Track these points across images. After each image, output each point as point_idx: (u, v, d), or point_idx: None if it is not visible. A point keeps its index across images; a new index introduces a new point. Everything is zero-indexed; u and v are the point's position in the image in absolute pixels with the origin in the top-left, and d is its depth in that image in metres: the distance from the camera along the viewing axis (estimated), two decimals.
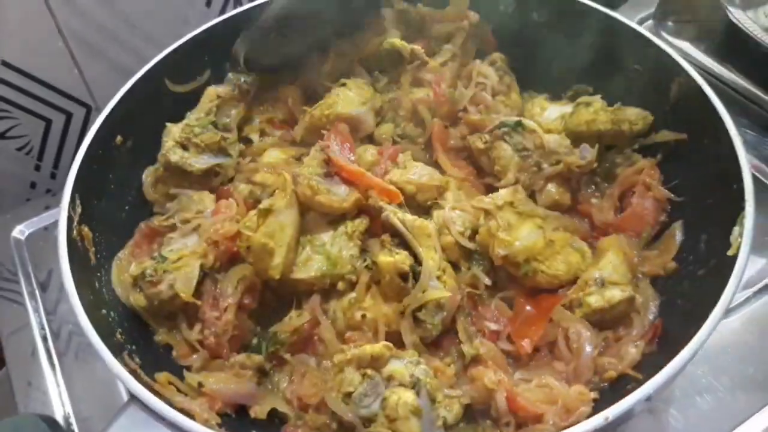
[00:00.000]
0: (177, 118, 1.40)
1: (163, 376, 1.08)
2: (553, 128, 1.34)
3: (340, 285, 1.17)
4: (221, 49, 1.46)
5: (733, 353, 1.26)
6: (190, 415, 0.97)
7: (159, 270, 1.17)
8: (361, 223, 1.21)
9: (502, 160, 1.31)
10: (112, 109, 1.27)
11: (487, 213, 1.20)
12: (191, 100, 1.43)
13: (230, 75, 1.50)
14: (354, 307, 1.15)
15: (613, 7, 1.36)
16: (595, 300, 1.12)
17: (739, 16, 1.60)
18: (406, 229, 1.17)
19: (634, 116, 1.29)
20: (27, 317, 1.48)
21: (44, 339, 1.44)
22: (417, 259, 1.16)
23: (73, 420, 1.31)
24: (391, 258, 1.13)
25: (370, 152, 1.35)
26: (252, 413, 1.10)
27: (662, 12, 1.83)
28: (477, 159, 1.37)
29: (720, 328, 0.92)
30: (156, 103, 1.38)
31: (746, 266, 0.97)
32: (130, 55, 1.68)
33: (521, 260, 1.17)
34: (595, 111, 1.31)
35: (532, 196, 1.29)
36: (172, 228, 1.28)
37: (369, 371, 1.02)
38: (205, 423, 0.97)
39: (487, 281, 1.20)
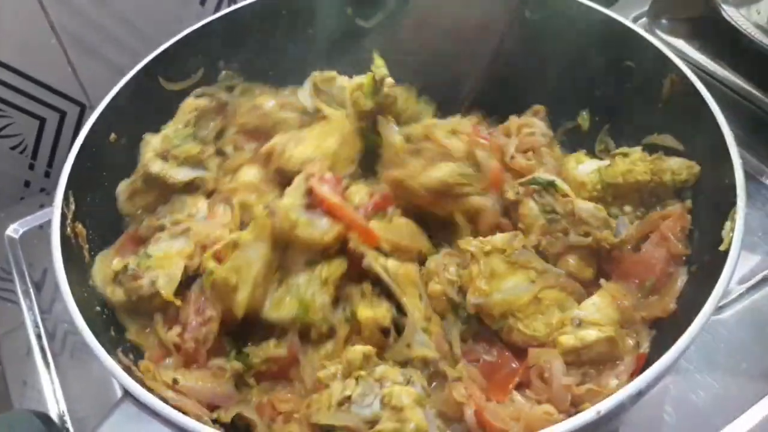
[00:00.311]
0: (171, 116, 1.40)
1: (144, 365, 1.07)
2: (587, 181, 1.25)
3: (313, 334, 1.12)
4: (215, 47, 1.46)
5: (727, 349, 1.26)
6: (183, 411, 0.96)
7: (142, 265, 1.15)
8: (338, 268, 1.13)
9: (527, 219, 1.20)
10: (106, 107, 1.26)
11: (473, 256, 1.13)
12: (185, 98, 1.43)
13: (224, 73, 1.51)
14: (332, 360, 1.09)
15: (607, 5, 1.37)
16: (567, 339, 1.06)
17: (732, 13, 1.61)
18: (389, 277, 1.12)
19: (677, 166, 1.20)
20: (22, 316, 1.48)
21: (39, 338, 1.44)
22: (400, 309, 1.11)
23: (67, 418, 1.31)
24: (371, 313, 1.08)
25: (360, 194, 1.23)
26: (215, 415, 1.07)
27: (656, 10, 1.83)
28: (507, 210, 1.25)
29: (714, 324, 0.92)
30: (150, 100, 1.37)
31: (738, 261, 0.97)
32: (124, 53, 1.68)
33: (497, 314, 1.09)
34: (633, 161, 1.22)
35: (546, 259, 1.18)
36: (161, 228, 1.26)
37: (362, 373, 1.00)
38: (198, 418, 0.97)
39: (458, 352, 1.11)
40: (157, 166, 1.30)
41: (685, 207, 1.19)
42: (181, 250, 1.18)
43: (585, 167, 1.28)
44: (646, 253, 1.16)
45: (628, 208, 1.24)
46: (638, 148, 1.28)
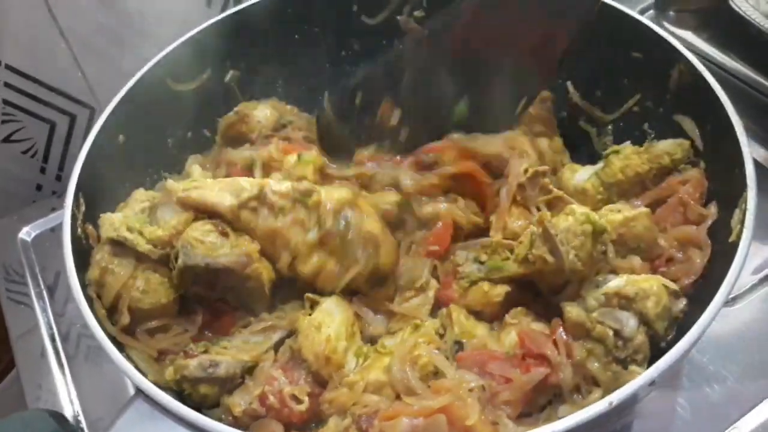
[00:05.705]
0: (179, 116, 1.41)
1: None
2: (588, 187, 1.25)
3: None
4: (222, 48, 1.47)
5: (741, 340, 1.25)
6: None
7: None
8: None
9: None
10: (115, 108, 1.27)
11: None
12: (193, 98, 1.44)
13: (231, 73, 1.51)
14: None
15: None
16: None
17: (740, 3, 1.60)
18: None
19: (670, 147, 1.22)
20: (35, 319, 1.49)
21: (53, 340, 1.45)
22: None
23: (82, 419, 1.32)
24: None
25: None
26: None
27: (663, 2, 1.82)
28: None
29: (727, 315, 0.91)
30: (158, 101, 1.38)
31: (749, 251, 0.96)
32: (132, 56, 1.68)
33: None
34: (627, 156, 1.23)
35: None
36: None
37: None
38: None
39: None
40: (127, 233, 1.15)
41: (701, 171, 1.19)
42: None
43: (581, 175, 1.28)
44: (659, 215, 1.17)
45: (636, 202, 1.23)
46: (628, 143, 1.28)
